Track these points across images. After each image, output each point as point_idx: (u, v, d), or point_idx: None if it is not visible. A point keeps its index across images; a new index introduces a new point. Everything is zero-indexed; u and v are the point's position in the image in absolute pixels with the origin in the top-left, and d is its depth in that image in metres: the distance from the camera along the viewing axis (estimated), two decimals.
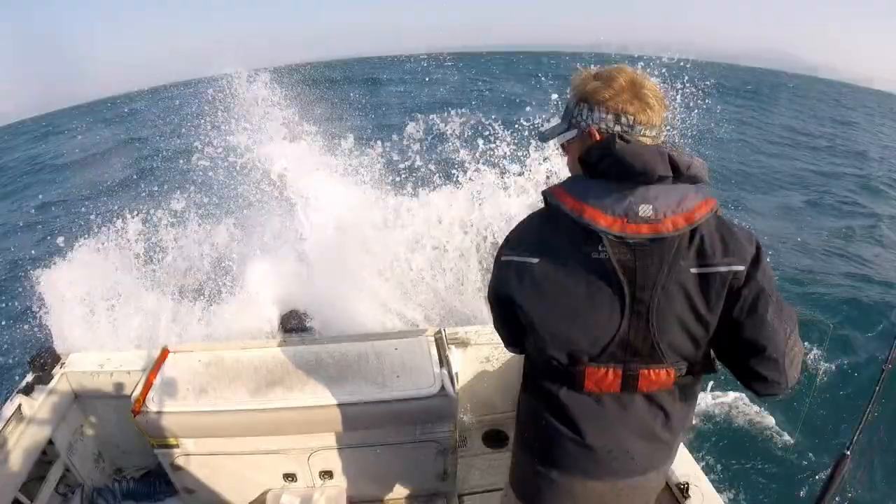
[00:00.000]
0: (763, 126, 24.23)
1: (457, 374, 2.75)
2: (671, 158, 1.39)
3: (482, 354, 3.12)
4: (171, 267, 4.73)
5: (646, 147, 1.41)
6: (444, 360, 2.73)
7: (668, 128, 1.58)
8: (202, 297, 4.09)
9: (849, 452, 1.85)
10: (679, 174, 1.40)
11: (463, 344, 3.06)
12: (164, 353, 2.84)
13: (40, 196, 14.83)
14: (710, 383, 5.62)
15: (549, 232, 1.50)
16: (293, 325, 3.17)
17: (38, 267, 3.35)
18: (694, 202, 1.38)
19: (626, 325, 1.44)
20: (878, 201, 13.95)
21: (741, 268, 1.39)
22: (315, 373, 2.71)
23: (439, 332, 2.93)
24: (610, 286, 1.42)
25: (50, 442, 2.81)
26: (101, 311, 3.08)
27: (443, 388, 2.57)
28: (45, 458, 2.81)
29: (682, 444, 2.41)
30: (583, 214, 1.40)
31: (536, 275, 1.49)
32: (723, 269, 1.39)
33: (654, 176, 1.37)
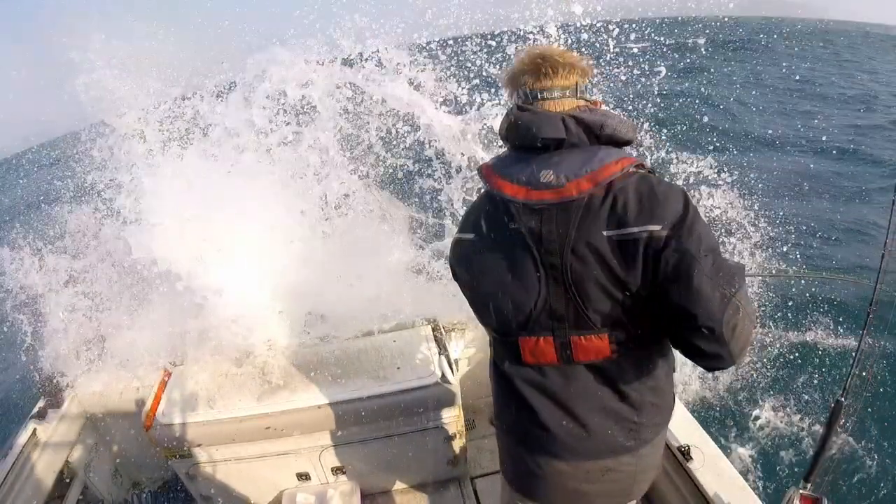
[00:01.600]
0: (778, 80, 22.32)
1: (457, 360, 2.79)
2: (582, 120, 1.40)
3: (481, 339, 3.17)
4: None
5: (543, 112, 1.44)
6: (442, 348, 2.78)
7: (591, 90, 1.54)
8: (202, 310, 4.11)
9: (843, 399, 1.90)
10: (595, 137, 1.41)
11: (461, 329, 3.11)
12: (170, 368, 2.89)
13: None
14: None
15: (483, 208, 1.57)
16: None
17: (33, 292, 3.34)
18: (602, 164, 1.36)
19: (546, 290, 1.45)
20: None
21: (657, 228, 1.33)
22: (318, 372, 2.75)
23: (435, 320, 2.98)
24: (527, 255, 1.45)
25: (67, 462, 2.86)
26: (104, 331, 3.10)
27: (443, 375, 2.62)
28: (63, 477, 2.87)
29: (682, 407, 2.48)
30: (494, 185, 1.47)
31: (471, 250, 1.58)
32: (635, 229, 1.34)
33: (542, 137, 1.39)
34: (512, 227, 1.46)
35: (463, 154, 3.27)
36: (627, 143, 1.48)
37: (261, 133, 3.16)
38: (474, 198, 1.73)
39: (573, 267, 1.40)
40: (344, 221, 3.54)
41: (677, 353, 1.54)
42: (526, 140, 1.44)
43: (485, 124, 3.22)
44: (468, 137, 3.25)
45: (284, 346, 2.94)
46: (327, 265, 3.14)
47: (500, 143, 1.61)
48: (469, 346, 3.15)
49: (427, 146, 3.36)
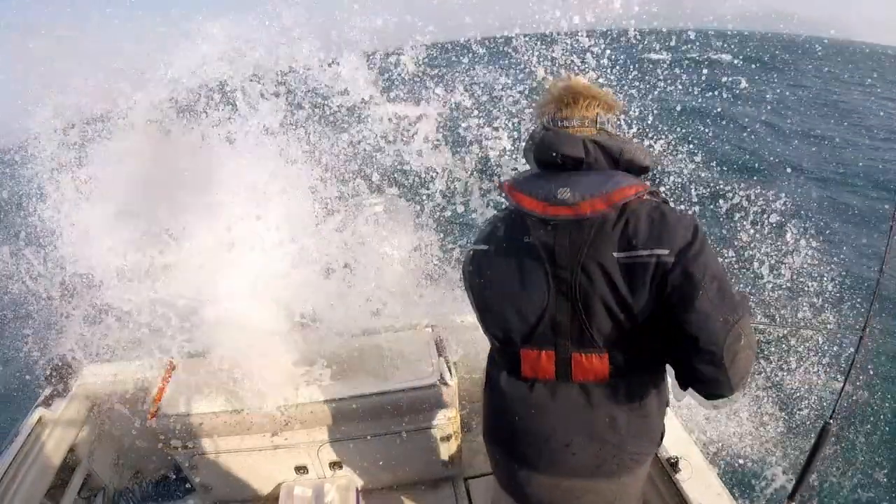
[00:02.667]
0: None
1: (455, 363, 2.86)
2: (601, 144, 1.48)
3: (480, 342, 3.23)
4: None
5: (566, 134, 1.52)
6: (441, 351, 2.85)
7: (614, 121, 1.60)
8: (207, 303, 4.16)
9: (832, 421, 1.91)
10: (615, 162, 1.50)
11: (460, 332, 3.18)
12: (175, 360, 2.96)
13: None
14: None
15: (499, 222, 1.65)
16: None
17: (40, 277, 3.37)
18: (617, 186, 1.43)
19: (553, 304, 1.50)
20: None
21: (665, 252, 1.38)
22: (319, 369, 2.83)
23: (436, 324, 3.06)
24: (538, 267, 1.51)
25: (71, 449, 2.93)
26: (109, 322, 3.14)
27: (441, 377, 2.69)
28: (67, 464, 2.93)
29: (674, 418, 2.54)
30: (514, 199, 1.55)
31: (483, 260, 1.63)
32: (644, 253, 1.39)
33: (562, 153, 1.47)
34: (526, 240, 1.53)
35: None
36: (645, 169, 1.54)
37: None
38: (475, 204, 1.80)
39: (581, 283, 1.45)
40: (342, 219, 3.60)
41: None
42: (546, 156, 1.52)
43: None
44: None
45: (286, 346, 3.01)
46: (324, 264, 3.20)
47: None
48: (468, 350, 3.22)
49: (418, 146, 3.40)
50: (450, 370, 2.73)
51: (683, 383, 1.50)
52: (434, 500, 3.05)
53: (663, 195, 1.54)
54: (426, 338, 2.96)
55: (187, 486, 3.07)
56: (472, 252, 1.71)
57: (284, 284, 2.96)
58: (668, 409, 1.70)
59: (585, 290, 1.45)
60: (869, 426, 4.58)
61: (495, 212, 1.80)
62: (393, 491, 3.06)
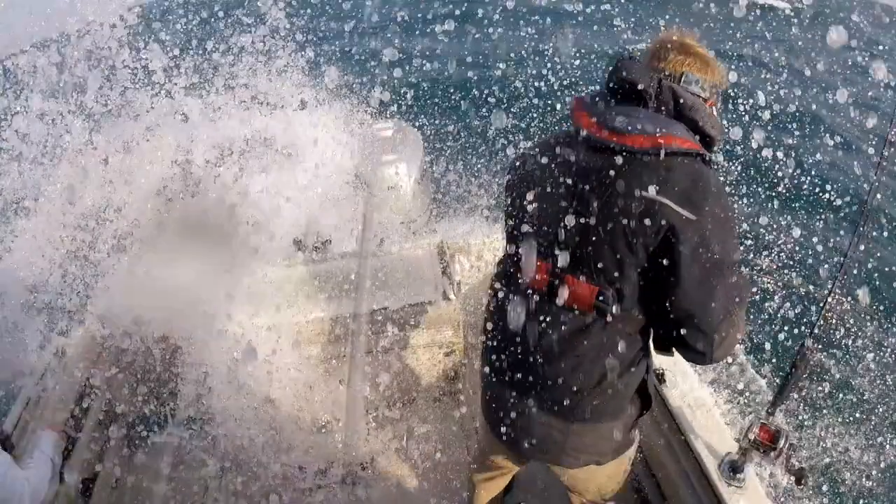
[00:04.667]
0: None
1: (459, 282, 2.96)
2: (675, 92, 1.47)
3: (485, 262, 3.32)
4: None
5: (642, 66, 1.52)
6: (445, 268, 2.96)
7: (710, 89, 1.55)
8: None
9: (809, 343, 1.91)
10: (679, 113, 1.47)
11: (465, 252, 3.27)
12: None
13: None
14: None
15: (558, 133, 1.67)
16: (306, 244, 3.36)
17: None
18: (670, 134, 1.41)
19: (566, 220, 1.50)
20: None
21: (692, 216, 1.35)
22: (327, 287, 2.95)
23: (441, 243, 3.14)
24: (571, 183, 1.52)
25: (88, 379, 3.05)
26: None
27: (444, 293, 2.82)
28: (86, 392, 3.00)
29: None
30: (574, 112, 1.57)
31: (529, 162, 1.65)
32: (671, 204, 1.36)
33: (628, 81, 1.48)
34: (570, 154, 1.53)
35: None
36: (709, 140, 1.51)
37: None
38: None
39: (600, 209, 1.44)
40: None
41: None
42: (612, 80, 1.53)
43: None
44: None
45: (299, 261, 3.12)
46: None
47: None
48: (472, 269, 3.31)
49: None
50: (452, 287, 2.83)
51: (662, 346, 1.56)
52: (437, 415, 3.19)
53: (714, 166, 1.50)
54: (432, 255, 3.07)
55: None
56: (521, 154, 1.74)
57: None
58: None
59: (600, 217, 1.44)
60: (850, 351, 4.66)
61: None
62: (398, 405, 3.20)
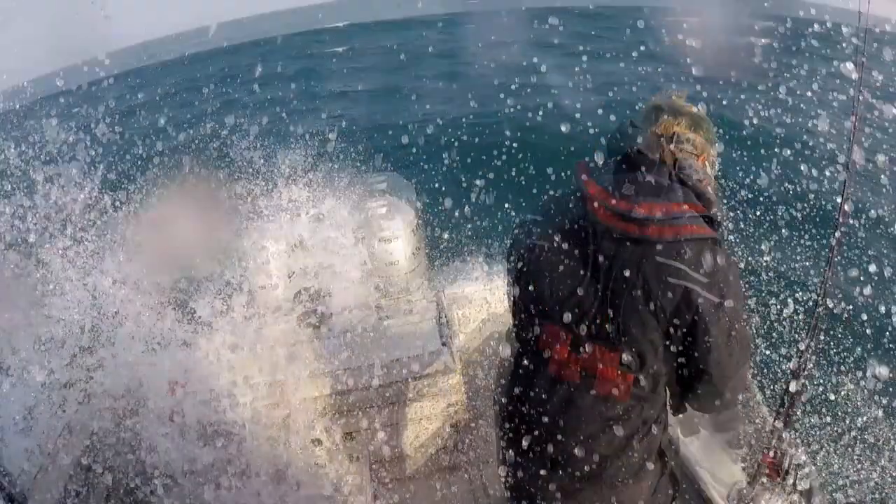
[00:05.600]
0: None
1: (457, 332, 2.99)
2: (680, 164, 1.54)
3: (482, 312, 3.35)
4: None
5: (648, 134, 1.59)
6: (443, 319, 2.98)
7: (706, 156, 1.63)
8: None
9: (802, 379, 1.93)
10: (685, 185, 1.53)
11: (462, 302, 3.30)
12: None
13: None
14: None
15: (560, 199, 1.71)
16: (307, 304, 3.40)
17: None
18: (676, 202, 1.47)
19: (586, 288, 1.53)
20: None
21: (717, 299, 1.43)
22: (329, 341, 2.98)
23: (438, 293, 3.17)
24: (583, 252, 1.55)
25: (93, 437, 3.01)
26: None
27: (443, 344, 2.84)
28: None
29: None
30: (580, 179, 1.59)
31: (533, 231, 1.67)
32: (688, 271, 1.43)
33: (637, 150, 1.54)
34: (581, 221, 1.56)
35: None
36: (709, 205, 1.55)
37: None
38: None
39: (617, 277, 1.49)
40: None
41: None
42: (621, 147, 1.60)
43: None
44: None
45: (297, 320, 3.16)
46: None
47: None
48: (471, 318, 3.34)
49: None
50: (450, 337, 2.86)
51: (677, 409, 1.67)
52: (445, 463, 3.18)
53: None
54: (428, 307, 3.09)
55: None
56: (524, 220, 1.76)
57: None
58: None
59: (619, 284, 1.48)
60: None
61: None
62: (403, 458, 3.18)
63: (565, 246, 1.58)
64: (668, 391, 1.66)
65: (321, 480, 2.94)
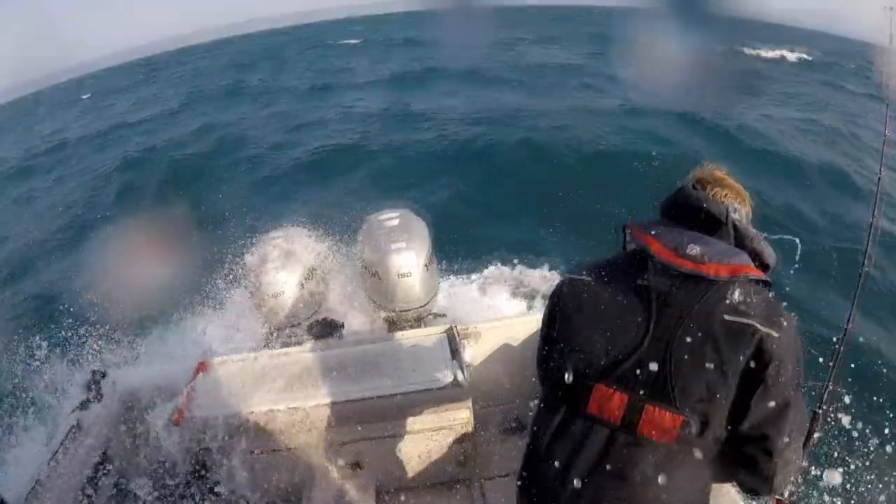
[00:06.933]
0: None
1: (469, 365, 2.99)
2: (735, 225, 1.60)
3: (493, 346, 3.36)
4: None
5: (710, 197, 1.65)
6: (455, 353, 2.98)
7: (745, 213, 1.73)
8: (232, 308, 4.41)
9: (820, 411, 1.97)
10: (742, 245, 1.59)
11: (475, 337, 3.31)
12: (201, 364, 3.13)
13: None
14: None
15: (609, 259, 1.72)
16: (318, 331, 3.43)
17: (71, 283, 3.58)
18: (742, 262, 1.52)
19: (647, 348, 1.48)
20: None
21: (775, 335, 1.41)
22: (339, 372, 2.98)
23: (451, 328, 3.19)
24: (643, 310, 1.52)
25: (105, 452, 3.07)
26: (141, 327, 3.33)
27: (455, 378, 2.83)
28: (100, 467, 3.05)
29: None
30: (640, 239, 1.61)
31: (582, 289, 1.66)
32: (755, 324, 1.42)
33: (706, 211, 1.58)
34: (640, 282, 1.56)
35: None
36: (765, 267, 1.61)
37: None
38: None
39: (682, 336, 1.46)
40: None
41: None
42: (685, 210, 1.63)
43: None
44: None
45: (310, 348, 3.18)
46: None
47: None
48: (479, 354, 3.34)
49: None
50: (463, 372, 2.85)
51: (729, 464, 1.53)
52: (451, 500, 3.15)
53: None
54: (441, 340, 3.10)
55: (210, 486, 3.18)
56: (569, 279, 1.74)
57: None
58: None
59: (683, 344, 1.46)
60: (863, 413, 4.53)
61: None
62: (410, 491, 3.16)
63: (623, 303, 1.56)
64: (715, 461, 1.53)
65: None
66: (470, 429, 2.99)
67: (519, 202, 9.05)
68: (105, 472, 3.09)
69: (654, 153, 10.10)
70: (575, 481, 1.50)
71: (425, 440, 2.97)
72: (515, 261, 6.63)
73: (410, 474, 3.13)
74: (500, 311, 4.99)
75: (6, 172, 16.23)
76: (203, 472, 3.12)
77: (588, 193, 8.52)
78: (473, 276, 5.66)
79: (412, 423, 2.91)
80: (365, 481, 3.03)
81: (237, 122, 16.09)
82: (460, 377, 2.82)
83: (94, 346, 3.64)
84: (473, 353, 3.30)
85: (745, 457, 1.48)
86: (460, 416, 2.91)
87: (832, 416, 2.03)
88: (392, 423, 2.91)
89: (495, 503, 3.08)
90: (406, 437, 2.96)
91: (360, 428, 2.91)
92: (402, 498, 3.14)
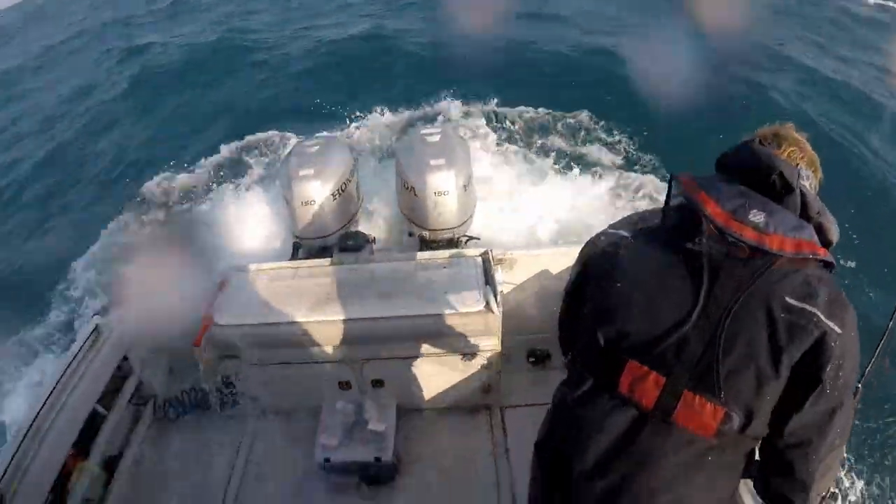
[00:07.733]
0: None
1: (501, 292, 2.87)
2: (804, 193, 1.32)
3: (527, 276, 3.24)
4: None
5: (783, 159, 1.35)
6: (489, 279, 2.86)
7: (814, 183, 1.44)
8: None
9: (860, 386, 1.83)
10: (807, 217, 1.33)
11: (509, 265, 3.18)
12: (229, 274, 3.08)
13: None
14: None
15: (653, 216, 1.47)
16: (349, 245, 3.33)
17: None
18: (809, 238, 1.27)
19: (692, 326, 1.29)
20: None
21: (837, 330, 1.22)
22: (368, 288, 2.89)
23: (486, 252, 3.05)
24: (691, 279, 1.31)
25: (124, 358, 3.06)
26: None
27: (487, 304, 2.71)
28: (119, 373, 3.05)
29: None
30: (694, 195, 1.33)
31: (622, 248, 1.45)
32: (818, 313, 1.22)
33: (780, 172, 1.29)
34: (689, 246, 1.32)
35: None
36: (828, 243, 1.36)
37: None
38: None
39: (737, 315, 1.26)
40: None
41: None
42: (753, 171, 1.35)
43: None
44: None
45: (340, 262, 3.09)
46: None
47: None
48: (512, 282, 3.22)
49: None
50: (496, 299, 2.74)
51: (759, 469, 1.41)
52: (471, 425, 3.12)
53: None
54: (476, 265, 2.98)
55: (235, 396, 3.20)
56: (606, 234, 1.53)
57: None
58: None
59: (737, 325, 1.26)
60: None
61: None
62: (431, 413, 3.14)
63: (669, 268, 1.34)
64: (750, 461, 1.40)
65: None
66: (497, 357, 2.91)
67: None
68: (125, 376, 3.10)
69: None
70: (589, 460, 1.37)
71: (451, 365, 2.91)
72: None
73: (432, 397, 3.09)
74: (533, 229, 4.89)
75: None
76: (225, 383, 3.13)
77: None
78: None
79: (439, 346, 2.84)
80: (386, 400, 3.00)
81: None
82: (493, 304, 2.71)
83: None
84: (506, 280, 3.18)
85: (783, 461, 1.31)
86: (489, 343, 2.83)
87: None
88: (418, 344, 2.84)
89: (515, 433, 3.05)
90: (432, 359, 2.89)
91: (384, 347, 2.85)
92: (424, 418, 3.13)
